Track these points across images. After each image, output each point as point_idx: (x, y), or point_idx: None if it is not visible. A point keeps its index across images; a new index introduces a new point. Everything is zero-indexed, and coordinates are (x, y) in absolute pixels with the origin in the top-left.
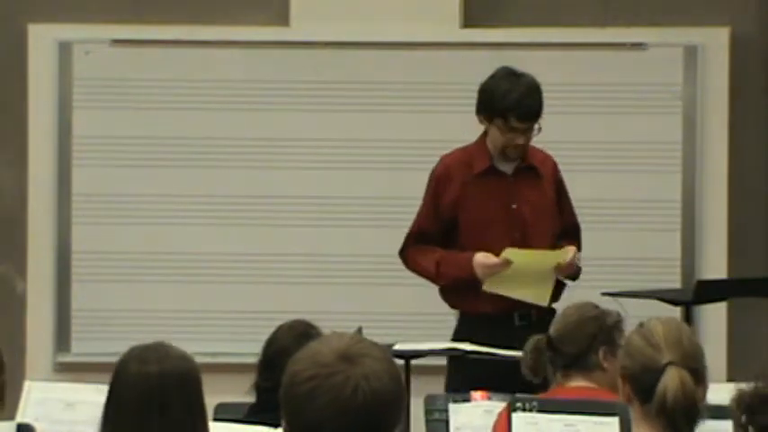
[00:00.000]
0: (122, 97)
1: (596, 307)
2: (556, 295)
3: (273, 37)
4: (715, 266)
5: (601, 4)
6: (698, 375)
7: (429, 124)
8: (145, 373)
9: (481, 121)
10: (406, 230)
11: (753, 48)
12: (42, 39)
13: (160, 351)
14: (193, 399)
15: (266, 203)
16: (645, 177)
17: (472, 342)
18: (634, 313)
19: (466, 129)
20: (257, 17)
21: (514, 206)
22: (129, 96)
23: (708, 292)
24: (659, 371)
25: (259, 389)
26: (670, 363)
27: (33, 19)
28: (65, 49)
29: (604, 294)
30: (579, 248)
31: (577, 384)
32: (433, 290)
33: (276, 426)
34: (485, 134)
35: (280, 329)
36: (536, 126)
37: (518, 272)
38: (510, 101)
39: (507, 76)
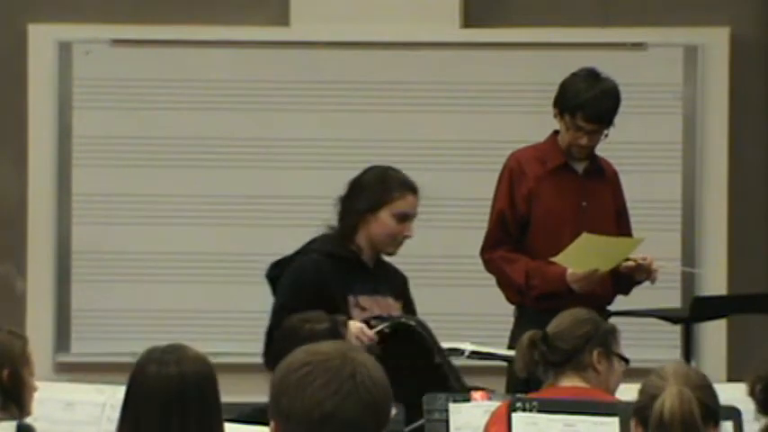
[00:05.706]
0: (122, 97)
1: (591, 312)
2: (626, 289)
3: (273, 37)
4: (715, 266)
5: (601, 4)
6: (708, 411)
7: (429, 124)
8: (165, 375)
9: (555, 116)
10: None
11: (753, 48)
12: (42, 39)
13: (179, 352)
14: (211, 400)
15: (266, 203)
16: (645, 177)
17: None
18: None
19: (466, 128)
20: (257, 17)
21: (584, 204)
22: (129, 96)
23: (704, 309)
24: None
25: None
26: (673, 386)
27: (33, 19)
28: (65, 49)
29: (612, 315)
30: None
31: (571, 384)
32: (432, 290)
33: None
34: (556, 132)
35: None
36: (605, 132)
37: (592, 254)
38: (580, 99)
39: (587, 76)
